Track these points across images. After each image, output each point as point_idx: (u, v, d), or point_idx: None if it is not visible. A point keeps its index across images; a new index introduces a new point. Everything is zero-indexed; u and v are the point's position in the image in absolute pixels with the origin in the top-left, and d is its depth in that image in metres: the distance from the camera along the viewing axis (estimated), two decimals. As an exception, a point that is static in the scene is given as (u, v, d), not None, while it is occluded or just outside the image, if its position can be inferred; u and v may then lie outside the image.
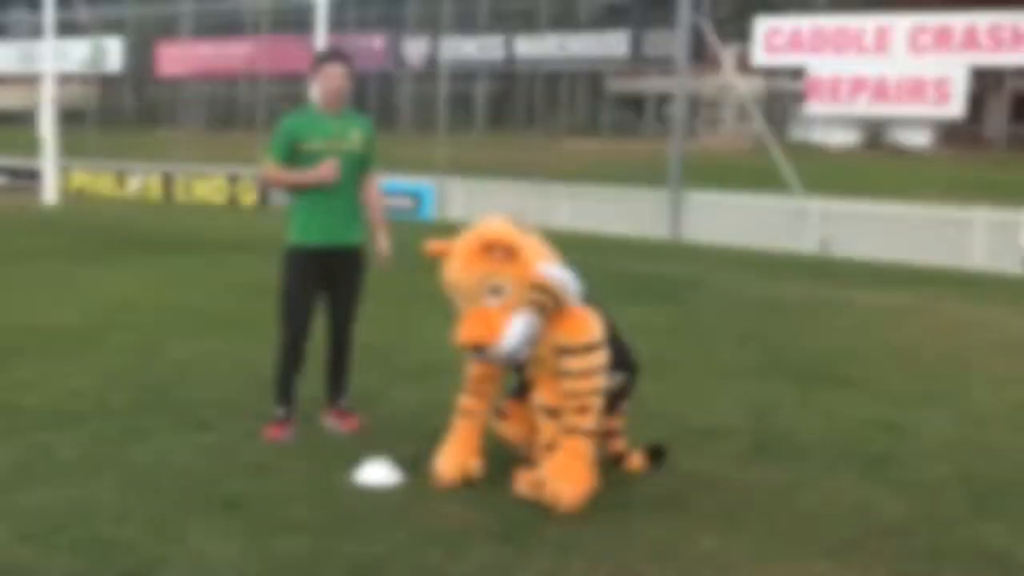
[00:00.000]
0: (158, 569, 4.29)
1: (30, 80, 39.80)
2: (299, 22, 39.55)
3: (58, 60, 29.32)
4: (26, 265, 14.03)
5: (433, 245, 5.27)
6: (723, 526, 4.90)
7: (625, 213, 22.04)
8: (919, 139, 30.83)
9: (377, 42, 39.07)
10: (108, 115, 47.11)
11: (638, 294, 12.45)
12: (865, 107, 30.08)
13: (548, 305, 5.02)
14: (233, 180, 27.65)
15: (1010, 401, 7.63)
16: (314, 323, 6.43)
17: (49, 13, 27.47)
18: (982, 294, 14.08)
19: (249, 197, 27.09)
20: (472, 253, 5.00)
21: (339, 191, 6.29)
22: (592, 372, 5.11)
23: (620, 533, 4.81)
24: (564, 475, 5.00)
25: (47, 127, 26.94)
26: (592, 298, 5.52)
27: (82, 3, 51.59)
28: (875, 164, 29.08)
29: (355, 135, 6.45)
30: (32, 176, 29.03)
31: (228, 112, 45.87)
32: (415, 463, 5.56)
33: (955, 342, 10.05)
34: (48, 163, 27.02)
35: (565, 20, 38.41)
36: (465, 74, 38.14)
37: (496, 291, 4.96)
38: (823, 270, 16.45)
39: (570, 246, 16.38)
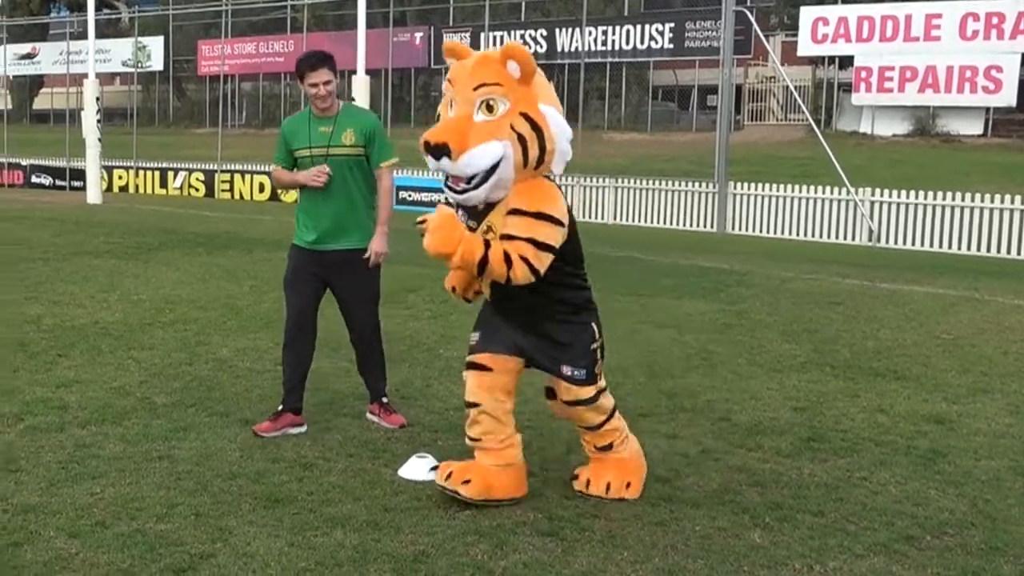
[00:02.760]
0: (204, 564, 4.34)
1: (74, 81, 40.35)
2: (338, 20, 39.99)
3: (100, 60, 29.64)
4: (71, 264, 14.26)
5: (449, 43, 5.01)
6: (773, 521, 4.88)
7: (671, 206, 22.01)
8: (970, 128, 30.46)
9: (418, 37, 39.18)
10: (150, 114, 47.82)
11: (686, 288, 12.46)
12: (914, 96, 29.77)
13: (530, 150, 4.64)
14: (275, 178, 27.90)
15: (1066, 394, 7.50)
16: (312, 323, 6.54)
17: (91, 14, 27.82)
18: (1038, 285, 13.89)
19: (291, 195, 27.22)
20: (489, 58, 4.71)
21: (332, 194, 6.36)
22: (540, 237, 4.69)
23: (668, 528, 4.78)
24: (617, 468, 5.13)
25: (90, 127, 27.29)
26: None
27: (123, 4, 52.39)
28: (925, 154, 28.75)
29: (347, 137, 6.40)
30: (78, 176, 29.46)
31: (270, 110, 46.32)
32: (460, 458, 5.54)
33: (1009, 334, 9.84)
34: (91, 163, 27.39)
35: (607, 9, 38.30)
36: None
37: (489, 107, 4.61)
38: (873, 262, 16.33)
39: (616, 240, 16.39)
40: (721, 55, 21.68)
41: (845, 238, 19.83)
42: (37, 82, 54.20)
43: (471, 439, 5.11)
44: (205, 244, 17.03)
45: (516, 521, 4.82)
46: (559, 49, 35.57)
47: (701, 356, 8.56)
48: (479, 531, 4.66)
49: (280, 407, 6.41)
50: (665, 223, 21.90)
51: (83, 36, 35.51)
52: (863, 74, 30.46)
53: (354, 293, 6.54)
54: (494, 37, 36.18)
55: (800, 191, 20.60)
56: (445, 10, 41.20)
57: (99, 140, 27.49)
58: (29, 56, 47.35)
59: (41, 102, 55.56)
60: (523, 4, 39.65)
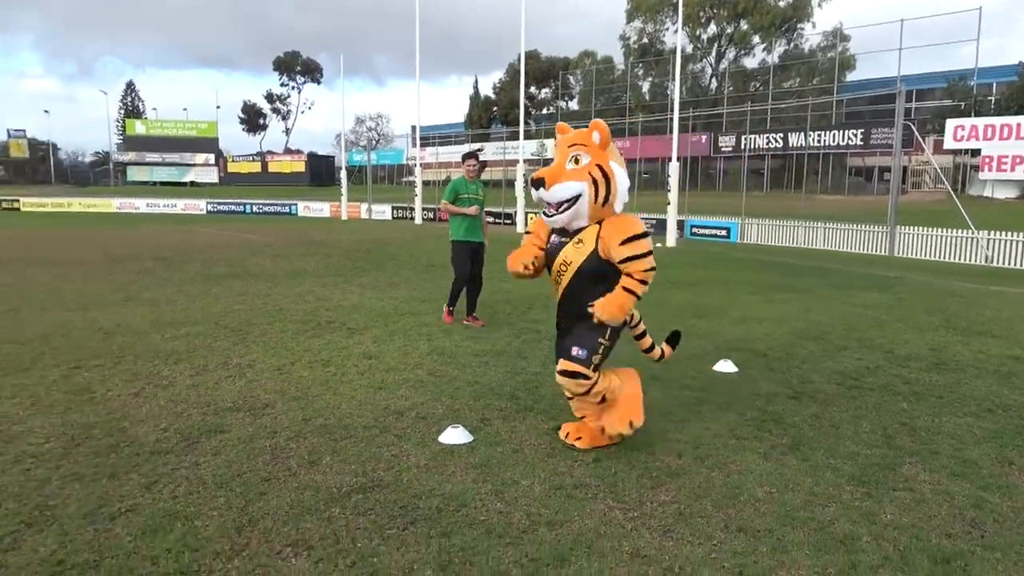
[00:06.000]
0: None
1: (506, 163, 43.57)
2: (658, 128, 41.09)
3: (523, 152, 32.08)
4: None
5: (559, 125, 4.44)
6: (913, 398, 5.34)
7: (858, 240, 21.61)
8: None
9: (704, 138, 39.52)
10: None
11: (868, 285, 12.14)
12: (1020, 174, 27.87)
13: (600, 191, 4.02)
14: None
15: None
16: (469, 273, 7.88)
17: (521, 126, 30.39)
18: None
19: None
20: (582, 130, 4.15)
21: (475, 218, 7.85)
22: (645, 249, 4.02)
23: (856, 400, 5.36)
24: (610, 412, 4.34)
25: (519, 190, 29.28)
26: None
27: (532, 120, 55.55)
28: (1028, 210, 26.28)
29: (481, 192, 7.90)
30: (509, 216, 31.93)
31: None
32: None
33: (1064, 316, 9.25)
34: (519, 209, 28.62)
35: (821, 121, 37.04)
36: (757, 156, 37.83)
37: (576, 160, 4.04)
38: (986, 274, 15.55)
39: (825, 259, 16.50)
40: (895, 148, 21.01)
41: (969, 260, 18.83)
42: (483, 164, 58.42)
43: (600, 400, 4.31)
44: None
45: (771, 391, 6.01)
46: (790, 145, 34.92)
47: (876, 321, 8.49)
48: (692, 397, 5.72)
49: (450, 310, 8.02)
50: (856, 250, 21.49)
51: (512, 138, 38.50)
52: (987, 160, 28.71)
53: (481, 260, 8.01)
54: (750, 138, 36.02)
55: (942, 231, 19.70)
56: (720, 123, 41.24)
57: (523, 197, 29.55)
58: (479, 150, 51.68)
59: (485, 176, 59.76)
60: (768, 118, 39.05)
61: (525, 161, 31.78)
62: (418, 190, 34.42)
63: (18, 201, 42.76)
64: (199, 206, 43.35)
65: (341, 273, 12.70)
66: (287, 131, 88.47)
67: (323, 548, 3.13)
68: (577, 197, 4.00)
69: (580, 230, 4.11)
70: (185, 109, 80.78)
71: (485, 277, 8.19)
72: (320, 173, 67.47)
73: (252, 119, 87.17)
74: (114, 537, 3.18)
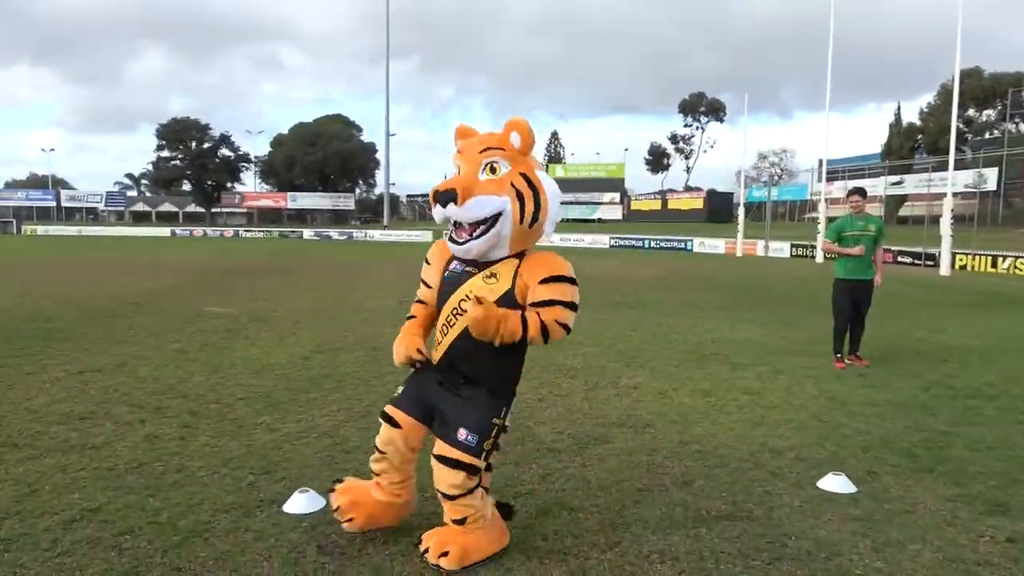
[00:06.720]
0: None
1: (930, 197, 38.90)
2: None
3: (953, 184, 28.27)
4: (935, 310, 13.76)
5: (459, 126, 3.31)
6: None
7: None
8: None
9: None
10: (982, 219, 43.79)
11: None
12: None
13: (526, 207, 3.07)
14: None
15: None
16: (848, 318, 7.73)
17: (951, 155, 26.83)
18: None
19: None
20: (494, 133, 3.22)
21: (860, 257, 7.58)
22: (569, 298, 3.12)
23: None
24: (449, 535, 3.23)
25: (945, 227, 26.30)
26: None
27: (968, 148, 48.54)
28: None
29: (870, 228, 7.60)
30: (931, 257, 28.53)
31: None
32: None
33: None
34: (945, 251, 26.34)
35: None
36: None
37: (493, 169, 3.09)
38: None
39: None
40: None
41: None
42: (901, 199, 52.92)
43: (373, 472, 3.39)
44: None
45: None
46: None
47: None
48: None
49: (838, 355, 7.77)
50: None
51: (940, 168, 34.00)
52: None
53: (867, 299, 7.74)
54: None
55: None
56: None
57: (951, 236, 26.31)
58: (899, 183, 46.59)
59: (903, 212, 54.24)
60: None
61: (955, 195, 28.02)
62: (821, 227, 32.74)
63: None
64: (603, 241, 47.58)
65: (730, 308, 12.73)
66: (688, 169, 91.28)
67: (687, 562, 3.30)
68: (497, 216, 3.05)
69: (493, 262, 3.17)
70: (598, 153, 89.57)
71: (877, 318, 8.19)
72: (718, 210, 68.16)
73: (656, 159, 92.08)
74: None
